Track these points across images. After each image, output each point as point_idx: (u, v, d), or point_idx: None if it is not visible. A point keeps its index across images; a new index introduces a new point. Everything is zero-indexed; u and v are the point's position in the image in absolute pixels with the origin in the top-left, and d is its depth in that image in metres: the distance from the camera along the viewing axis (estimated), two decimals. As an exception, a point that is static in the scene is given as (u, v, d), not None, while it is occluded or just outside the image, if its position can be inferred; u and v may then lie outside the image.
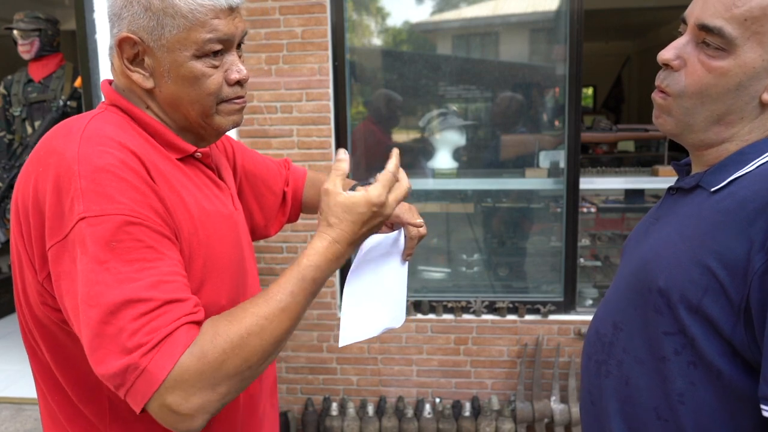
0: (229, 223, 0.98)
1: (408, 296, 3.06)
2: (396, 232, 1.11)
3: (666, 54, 0.89)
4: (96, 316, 0.74)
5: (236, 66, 0.92)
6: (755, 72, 0.82)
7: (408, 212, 1.09)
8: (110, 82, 0.96)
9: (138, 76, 0.89)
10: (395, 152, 0.92)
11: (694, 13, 0.86)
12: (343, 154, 0.91)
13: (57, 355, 0.88)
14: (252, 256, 1.10)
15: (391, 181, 0.89)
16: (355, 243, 0.89)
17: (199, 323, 0.79)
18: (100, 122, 0.87)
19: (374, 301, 1.11)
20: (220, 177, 1.05)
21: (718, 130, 0.88)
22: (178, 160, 0.93)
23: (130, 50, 0.88)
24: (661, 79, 0.90)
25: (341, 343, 1.04)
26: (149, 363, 0.72)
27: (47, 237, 0.79)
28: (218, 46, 0.88)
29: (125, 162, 0.81)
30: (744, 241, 0.78)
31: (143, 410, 0.75)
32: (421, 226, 1.09)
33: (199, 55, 0.88)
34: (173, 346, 0.74)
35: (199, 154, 0.96)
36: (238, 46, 0.94)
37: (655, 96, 0.92)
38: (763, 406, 0.74)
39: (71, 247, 0.77)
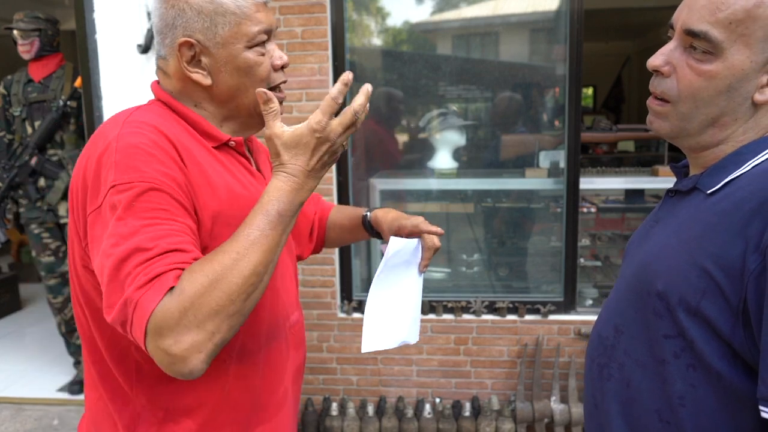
0: None
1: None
2: (416, 240, 1.18)
3: (655, 60, 0.90)
4: (110, 265, 0.83)
5: (278, 52, 1.03)
6: (744, 73, 0.83)
7: (424, 223, 1.18)
8: (158, 83, 1.06)
9: (198, 76, 0.99)
10: (366, 87, 0.93)
11: (680, 19, 0.87)
12: (267, 94, 0.92)
13: (94, 317, 0.98)
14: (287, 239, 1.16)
15: (331, 106, 0.89)
16: (312, 173, 0.91)
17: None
18: (143, 112, 0.98)
19: (395, 310, 1.18)
20: (258, 169, 1.13)
21: (713, 132, 0.89)
22: (214, 148, 1.02)
23: (188, 53, 0.98)
24: (655, 85, 0.91)
25: (364, 349, 1.11)
26: (141, 297, 0.79)
27: (88, 206, 0.90)
28: (264, 36, 1.00)
29: (156, 141, 0.90)
30: (740, 242, 0.78)
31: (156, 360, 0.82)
32: (439, 233, 1.18)
33: (250, 46, 0.98)
34: (162, 285, 0.80)
35: (233, 142, 1.05)
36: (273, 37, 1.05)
37: (651, 103, 0.93)
38: (762, 407, 0.74)
39: (104, 213, 0.86)
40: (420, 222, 1.18)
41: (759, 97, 0.84)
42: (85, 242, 0.92)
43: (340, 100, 0.90)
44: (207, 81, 0.99)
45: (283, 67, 1.03)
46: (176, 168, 0.90)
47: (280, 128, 0.90)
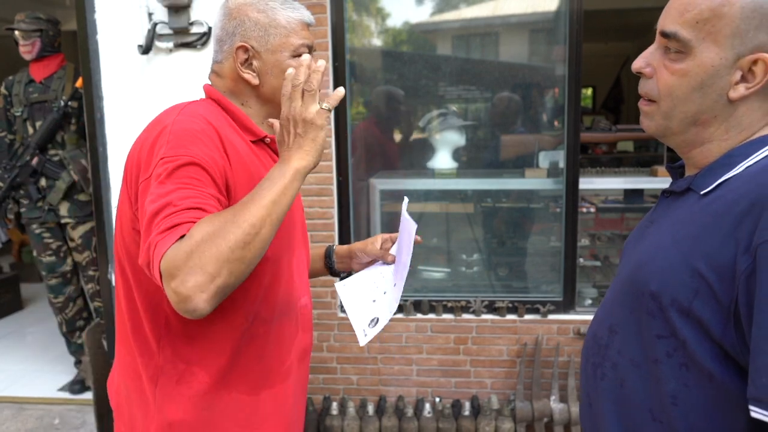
0: None
1: (408, 296, 3.08)
2: (374, 265, 1.38)
3: (637, 63, 0.95)
4: (147, 217, 0.96)
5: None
6: (714, 70, 0.86)
7: (378, 251, 1.41)
8: (210, 85, 1.23)
9: (248, 76, 1.17)
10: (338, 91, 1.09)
11: (659, 22, 0.92)
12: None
13: (135, 272, 1.12)
14: (304, 236, 1.33)
15: (290, 93, 1.04)
16: (293, 149, 1.03)
17: None
18: (195, 105, 1.14)
19: (371, 299, 1.31)
20: None
21: (696, 130, 0.91)
22: (252, 142, 1.18)
23: (243, 55, 1.16)
24: (641, 87, 0.95)
25: (362, 343, 1.23)
26: (159, 240, 0.92)
27: (141, 176, 1.03)
28: (305, 50, 1.18)
29: (205, 130, 1.05)
30: (731, 243, 0.79)
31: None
32: (389, 257, 1.39)
33: (294, 55, 1.17)
34: (177, 232, 0.92)
35: (268, 139, 1.22)
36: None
37: (640, 104, 0.97)
38: (752, 407, 0.75)
39: (152, 179, 1.00)
40: (375, 251, 1.41)
41: (732, 93, 0.87)
42: (135, 207, 1.05)
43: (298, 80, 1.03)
44: (255, 81, 1.17)
45: None
46: (218, 153, 1.04)
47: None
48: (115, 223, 1.16)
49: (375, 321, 1.25)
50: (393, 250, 1.37)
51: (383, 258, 1.39)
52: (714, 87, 0.87)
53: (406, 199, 1.38)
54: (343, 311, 2.99)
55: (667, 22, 0.89)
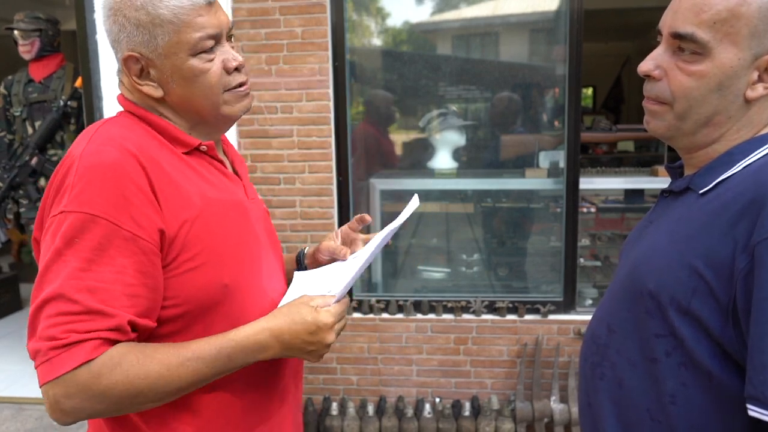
0: (238, 210, 1.04)
1: (408, 296, 3.06)
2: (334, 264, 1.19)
3: (645, 65, 0.92)
4: (38, 300, 0.85)
5: (230, 54, 1.00)
6: (733, 71, 0.85)
7: (333, 246, 1.20)
8: (122, 95, 1.04)
9: (148, 88, 0.98)
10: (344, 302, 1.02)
11: (666, 23, 0.89)
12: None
13: None
14: (274, 242, 1.16)
15: (341, 315, 1.00)
16: (285, 346, 0.95)
17: (113, 342, 0.86)
18: (109, 125, 0.96)
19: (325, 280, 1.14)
20: (235, 171, 1.12)
21: (708, 131, 0.90)
22: (185, 154, 1.00)
23: (135, 66, 0.97)
24: (648, 90, 0.93)
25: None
26: (54, 357, 0.83)
27: (45, 219, 0.92)
28: (209, 42, 0.96)
29: (118, 164, 0.89)
30: (729, 242, 0.79)
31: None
32: (341, 252, 1.19)
33: (194, 53, 0.96)
34: (77, 353, 0.83)
35: (204, 147, 1.03)
36: (229, 38, 1.02)
37: (647, 104, 0.94)
38: (749, 406, 0.75)
39: (50, 235, 0.88)
40: (332, 250, 1.20)
41: (750, 93, 0.86)
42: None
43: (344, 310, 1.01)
44: (158, 93, 0.98)
45: (237, 68, 1.01)
46: (135, 190, 0.88)
47: (323, 315, 0.97)
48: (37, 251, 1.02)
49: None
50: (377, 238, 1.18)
51: (336, 254, 1.19)
52: (732, 88, 0.86)
53: (416, 198, 1.22)
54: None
55: (679, 22, 0.87)
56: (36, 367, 0.85)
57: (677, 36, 0.87)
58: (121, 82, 1.03)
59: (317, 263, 1.23)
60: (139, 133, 0.96)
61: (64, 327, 0.83)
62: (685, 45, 0.87)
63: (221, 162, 1.07)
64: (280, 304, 1.03)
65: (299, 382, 1.20)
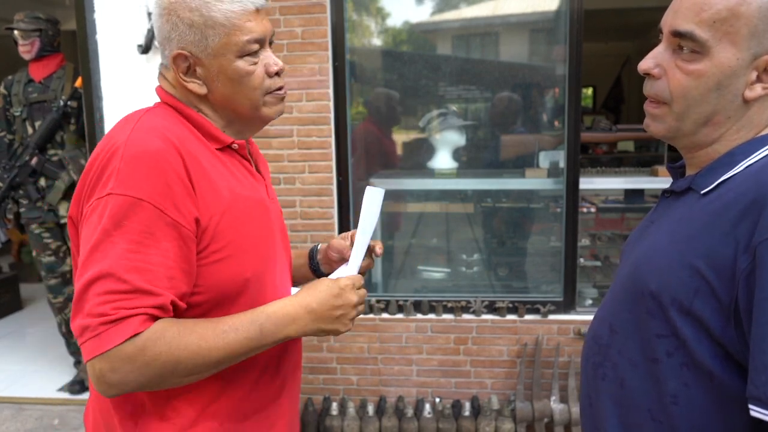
0: (261, 208, 1.09)
1: (408, 296, 3.07)
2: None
3: (645, 64, 0.92)
4: (85, 279, 0.89)
5: (272, 59, 1.06)
6: (732, 70, 0.85)
7: (342, 244, 1.24)
8: (162, 87, 1.09)
9: (193, 85, 1.03)
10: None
11: (667, 22, 0.89)
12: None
13: None
14: (285, 242, 1.22)
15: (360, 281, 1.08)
16: (315, 316, 1.02)
17: (155, 318, 0.91)
18: (152, 115, 1.02)
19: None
20: (258, 170, 1.17)
21: (707, 131, 0.90)
22: (217, 150, 1.06)
23: (183, 64, 1.02)
24: (648, 88, 0.93)
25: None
26: (104, 332, 0.87)
27: (86, 200, 0.96)
28: (255, 46, 1.02)
29: (162, 152, 0.93)
30: (730, 242, 0.79)
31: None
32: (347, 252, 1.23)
33: (241, 55, 1.02)
34: (126, 328, 0.88)
35: (235, 145, 1.09)
36: (270, 44, 1.08)
37: (647, 107, 0.95)
38: (751, 406, 0.75)
39: (96, 214, 0.92)
40: (344, 248, 1.24)
41: (749, 93, 0.86)
42: (81, 232, 0.97)
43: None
44: (202, 90, 1.04)
45: (278, 73, 1.07)
46: (177, 184, 0.93)
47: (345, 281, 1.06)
48: (70, 239, 1.06)
49: None
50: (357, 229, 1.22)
51: (343, 252, 1.24)
52: (730, 88, 0.86)
53: (375, 190, 1.24)
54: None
55: (679, 21, 0.87)
56: (82, 343, 0.89)
57: (677, 34, 0.87)
58: (162, 75, 1.08)
59: (327, 260, 1.30)
60: (178, 126, 1.02)
61: (113, 304, 0.87)
62: (685, 44, 0.86)
63: (248, 161, 1.13)
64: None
65: (298, 376, 1.23)
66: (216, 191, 0.99)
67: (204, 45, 1.00)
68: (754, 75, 0.85)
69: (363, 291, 1.08)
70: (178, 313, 0.96)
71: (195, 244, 0.96)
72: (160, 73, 1.09)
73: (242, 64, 1.02)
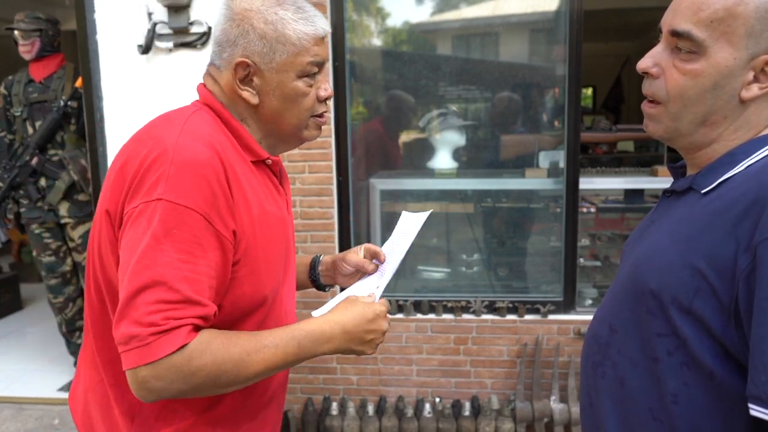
0: (282, 225, 1.10)
1: (408, 296, 3.07)
2: (423, 214, 1.29)
3: (643, 63, 0.92)
4: (134, 285, 0.88)
5: (325, 85, 1.09)
6: (728, 70, 0.85)
7: (359, 260, 1.26)
8: (206, 87, 1.09)
9: (247, 94, 1.04)
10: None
11: (666, 21, 0.90)
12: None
13: (114, 298, 1.01)
14: (294, 258, 1.23)
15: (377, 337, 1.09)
16: (348, 336, 1.04)
17: (199, 329, 0.92)
18: (198, 119, 1.01)
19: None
20: (281, 184, 1.18)
21: (705, 131, 0.90)
22: (252, 162, 1.07)
23: (242, 72, 1.03)
24: (646, 87, 0.93)
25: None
26: (153, 342, 0.87)
27: (128, 201, 0.94)
28: (316, 69, 1.05)
29: (210, 162, 0.94)
30: (731, 242, 0.79)
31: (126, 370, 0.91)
32: (370, 266, 1.26)
33: (301, 76, 1.04)
34: (175, 338, 0.88)
35: (270, 161, 1.10)
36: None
37: (644, 107, 0.95)
38: (751, 405, 0.75)
39: (144, 218, 0.91)
40: (362, 263, 1.26)
41: (745, 94, 0.86)
42: (120, 232, 0.96)
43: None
44: (255, 100, 1.05)
45: (326, 99, 1.10)
46: (221, 194, 0.94)
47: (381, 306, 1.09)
48: (91, 234, 1.06)
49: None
50: (385, 249, 1.28)
51: (363, 267, 1.26)
52: (727, 88, 0.86)
53: (415, 215, 1.31)
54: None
55: (677, 20, 0.87)
56: (128, 350, 0.88)
57: (675, 34, 0.87)
58: (209, 75, 1.08)
59: (334, 272, 1.32)
60: (220, 134, 1.02)
61: (164, 314, 0.88)
62: (682, 43, 0.87)
63: (277, 176, 1.15)
64: (316, 313, 1.10)
65: (283, 392, 1.25)
66: (248, 205, 1.00)
67: (270, 58, 1.01)
68: (750, 75, 0.85)
69: (388, 319, 1.11)
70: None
71: (232, 256, 0.97)
72: (208, 73, 1.09)
73: (301, 84, 1.04)
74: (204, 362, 0.90)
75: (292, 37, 1.01)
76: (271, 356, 0.96)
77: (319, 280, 1.35)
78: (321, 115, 1.11)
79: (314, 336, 1.00)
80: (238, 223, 0.97)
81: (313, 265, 1.35)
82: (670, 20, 0.89)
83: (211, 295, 0.94)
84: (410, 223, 1.27)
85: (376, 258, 1.26)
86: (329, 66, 2.83)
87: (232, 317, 1.02)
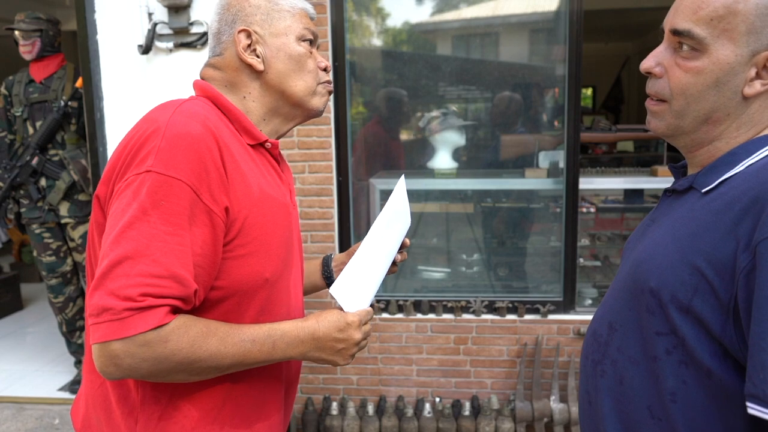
0: (284, 210, 1.08)
1: (408, 296, 3.07)
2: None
3: (647, 63, 0.93)
4: (116, 255, 0.86)
5: (321, 56, 1.14)
6: (730, 67, 0.86)
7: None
8: (202, 81, 1.11)
9: (254, 61, 1.07)
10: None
11: (668, 21, 0.91)
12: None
13: None
14: (301, 249, 1.23)
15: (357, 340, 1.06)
16: (318, 343, 1.03)
17: (179, 311, 0.91)
18: (192, 103, 1.01)
19: (373, 270, 1.17)
20: (283, 172, 1.18)
21: (707, 129, 0.91)
22: (251, 146, 1.07)
23: (245, 40, 1.07)
24: (649, 87, 0.94)
25: (347, 309, 1.12)
26: (128, 317, 0.85)
27: (119, 177, 0.94)
28: (311, 36, 1.11)
29: (203, 137, 0.93)
30: (731, 240, 0.79)
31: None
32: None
33: (301, 39, 1.10)
34: (151, 317, 0.85)
35: (269, 144, 1.10)
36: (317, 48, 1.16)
37: (648, 104, 0.96)
38: (749, 404, 0.75)
39: (131, 190, 0.90)
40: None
41: (748, 90, 0.87)
42: (108, 207, 0.96)
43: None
44: (261, 66, 1.07)
45: (326, 69, 1.14)
46: (213, 170, 0.93)
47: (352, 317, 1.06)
48: (91, 219, 1.05)
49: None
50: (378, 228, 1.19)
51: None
52: (729, 85, 0.87)
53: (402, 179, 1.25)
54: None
55: (678, 19, 0.88)
56: (100, 323, 0.85)
57: (676, 32, 0.88)
58: (211, 66, 1.11)
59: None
60: (216, 118, 1.02)
61: (142, 289, 0.85)
62: (684, 42, 0.88)
63: (277, 161, 1.15)
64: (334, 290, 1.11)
65: (295, 388, 1.24)
66: (247, 185, 0.99)
67: (269, 24, 1.07)
68: (753, 72, 0.86)
69: (368, 327, 1.09)
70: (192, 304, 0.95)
71: (224, 234, 0.96)
72: (208, 65, 1.11)
73: (301, 47, 1.09)
74: (180, 347, 0.88)
75: (285, 5, 1.09)
76: (246, 351, 0.95)
77: (333, 278, 1.35)
78: (329, 82, 1.15)
79: (288, 338, 0.99)
80: (233, 201, 0.96)
81: (326, 264, 1.36)
82: (671, 20, 0.90)
83: (197, 273, 0.92)
84: (397, 201, 1.21)
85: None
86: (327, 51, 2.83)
87: (233, 299, 1.01)
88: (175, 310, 0.90)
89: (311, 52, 1.11)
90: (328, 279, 1.36)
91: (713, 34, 0.85)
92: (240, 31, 1.07)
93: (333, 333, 1.03)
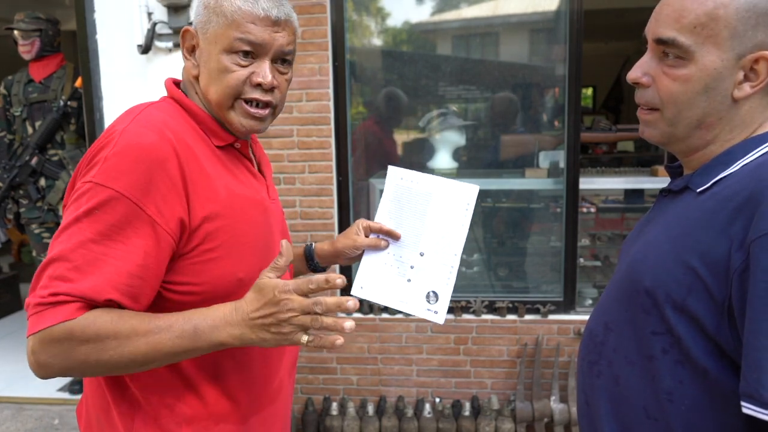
0: (259, 209, 1.07)
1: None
2: (464, 186, 1.23)
3: (633, 74, 0.94)
4: (47, 258, 0.90)
5: (263, 72, 1.02)
6: (717, 73, 0.86)
7: (369, 241, 1.19)
8: (173, 80, 1.11)
9: (189, 63, 1.05)
10: (344, 301, 0.91)
11: (650, 30, 0.91)
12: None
13: None
14: (285, 238, 1.14)
15: (305, 285, 0.90)
16: (247, 323, 0.90)
17: (92, 307, 0.90)
18: (154, 108, 1.00)
19: (404, 281, 1.14)
20: (260, 171, 1.16)
21: (701, 134, 0.91)
22: (218, 147, 1.04)
23: (189, 42, 1.05)
24: (639, 96, 0.95)
25: (441, 321, 1.09)
26: (40, 311, 0.88)
27: (76, 181, 0.95)
28: (246, 47, 1.00)
29: (154, 148, 0.92)
30: (725, 240, 0.79)
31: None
32: (382, 243, 1.19)
33: (228, 51, 1.00)
34: (57, 313, 0.87)
35: (238, 144, 1.08)
36: (283, 61, 1.05)
37: (640, 114, 0.96)
38: (743, 403, 0.75)
39: (75, 197, 0.92)
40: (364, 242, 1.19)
41: (737, 93, 0.87)
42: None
43: (313, 289, 0.89)
44: (195, 71, 1.05)
45: (261, 86, 1.02)
46: (163, 176, 0.91)
47: (267, 275, 0.91)
48: None
49: (434, 295, 1.13)
50: (382, 221, 1.20)
51: (377, 246, 1.18)
52: (718, 89, 0.87)
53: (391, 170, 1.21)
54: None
55: (661, 28, 0.89)
56: (28, 318, 0.91)
57: (660, 42, 0.89)
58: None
59: (341, 257, 1.24)
60: (179, 120, 1.01)
61: (52, 288, 0.88)
62: (669, 50, 0.88)
63: (250, 160, 1.12)
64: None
65: (293, 378, 1.23)
66: (212, 190, 0.98)
67: (206, 28, 1.01)
68: (741, 74, 0.86)
69: (319, 299, 0.90)
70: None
71: (172, 246, 0.94)
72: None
73: (225, 59, 1.00)
74: (86, 337, 0.87)
75: (227, 9, 0.99)
76: (164, 338, 0.89)
77: (319, 268, 1.31)
78: (252, 103, 1.03)
79: (211, 318, 0.91)
80: (193, 209, 0.94)
81: (308, 255, 1.30)
82: (653, 29, 0.90)
83: (130, 282, 0.90)
84: (394, 191, 1.18)
85: (381, 234, 1.19)
86: (330, 66, 2.82)
87: (207, 300, 0.97)
88: (92, 307, 0.89)
89: (243, 65, 1.00)
90: (315, 270, 1.31)
91: (698, 42, 0.86)
92: (184, 31, 1.04)
93: (254, 302, 0.90)
